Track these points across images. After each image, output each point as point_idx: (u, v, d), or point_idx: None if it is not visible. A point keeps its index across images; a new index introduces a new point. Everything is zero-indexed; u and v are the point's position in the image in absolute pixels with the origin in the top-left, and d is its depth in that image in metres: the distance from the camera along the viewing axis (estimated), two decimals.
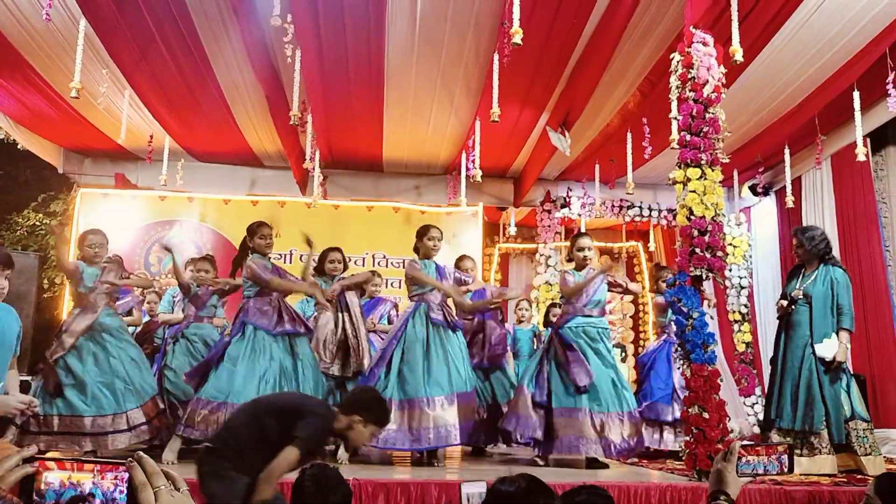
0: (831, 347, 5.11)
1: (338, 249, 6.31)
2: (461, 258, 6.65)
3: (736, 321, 9.43)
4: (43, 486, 1.22)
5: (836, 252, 8.15)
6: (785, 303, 5.45)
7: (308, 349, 5.34)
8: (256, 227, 5.42)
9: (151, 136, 8.65)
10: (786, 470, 2.08)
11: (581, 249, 5.74)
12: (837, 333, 5.18)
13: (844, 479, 4.70)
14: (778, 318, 5.62)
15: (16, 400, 2.85)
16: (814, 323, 5.24)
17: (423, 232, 5.69)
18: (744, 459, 2.04)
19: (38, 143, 9.03)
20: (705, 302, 5.35)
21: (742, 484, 2.02)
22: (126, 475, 1.26)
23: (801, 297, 5.33)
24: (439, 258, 5.78)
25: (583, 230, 9.66)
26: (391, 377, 5.25)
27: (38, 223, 10.00)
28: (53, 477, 1.23)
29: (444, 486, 3.91)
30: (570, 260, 6.01)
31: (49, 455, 1.28)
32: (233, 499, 2.71)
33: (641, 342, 11.13)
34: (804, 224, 8.77)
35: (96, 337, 5.23)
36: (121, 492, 1.25)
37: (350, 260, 9.80)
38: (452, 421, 5.08)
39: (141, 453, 1.29)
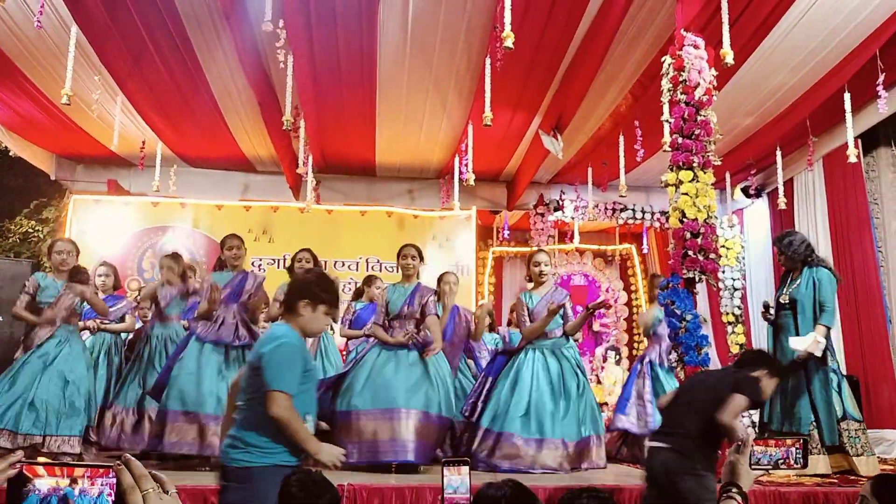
0: (804, 340, 5.13)
1: (307, 250, 6.28)
2: (445, 274, 6.32)
3: (729, 323, 9.44)
4: (30, 492, 1.22)
5: (828, 253, 8.21)
6: (763, 310, 5.53)
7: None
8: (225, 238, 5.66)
9: (144, 142, 8.64)
10: (798, 465, 2.07)
11: (537, 265, 5.66)
12: (815, 327, 5.19)
13: (836, 480, 4.71)
14: (769, 323, 5.65)
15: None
16: (800, 326, 5.28)
17: (398, 252, 5.64)
18: (757, 450, 2.03)
19: (29, 150, 8.99)
20: None
21: (755, 477, 2.00)
22: (114, 479, 1.25)
23: (787, 301, 5.38)
24: (435, 263, 5.75)
25: (576, 234, 9.71)
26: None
27: (30, 230, 9.96)
28: (41, 483, 1.22)
29: (440, 490, 3.89)
30: (529, 279, 5.87)
31: (38, 460, 1.27)
32: (705, 493, 3.03)
33: (636, 345, 11.14)
34: (796, 226, 8.82)
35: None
36: (109, 495, 1.24)
37: (343, 265, 9.87)
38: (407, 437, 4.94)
39: (128, 456, 1.29)
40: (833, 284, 5.32)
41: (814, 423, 5.08)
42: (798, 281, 5.40)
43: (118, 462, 1.27)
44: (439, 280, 6.18)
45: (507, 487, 1.74)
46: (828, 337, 5.22)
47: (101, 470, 1.26)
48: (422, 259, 5.63)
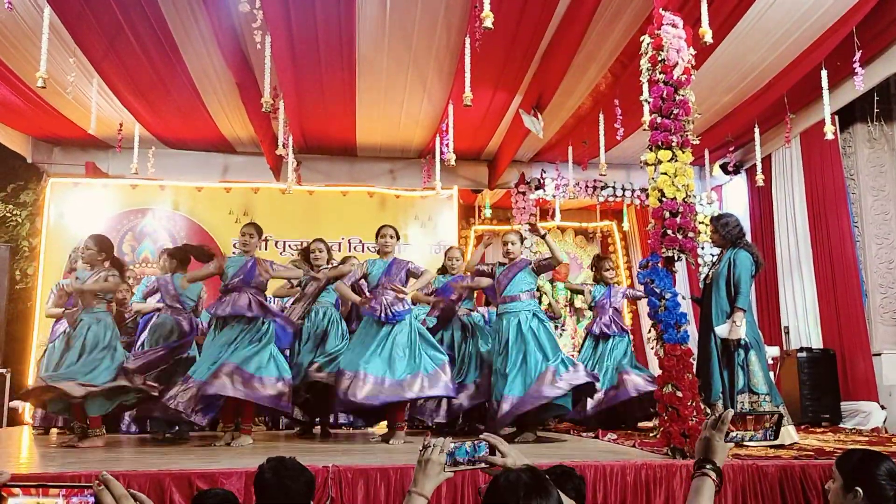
0: (726, 328, 5.36)
1: (320, 240, 6.46)
2: (449, 249, 7.30)
3: None
4: None
5: (805, 228, 8.33)
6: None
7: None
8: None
9: (121, 124, 8.55)
10: (770, 438, 2.12)
11: (504, 244, 6.16)
12: (733, 312, 5.36)
13: (812, 453, 4.81)
14: (696, 302, 6.02)
15: None
16: (713, 303, 5.50)
17: (376, 232, 6.03)
18: (732, 431, 2.04)
19: (5, 133, 8.88)
20: None
21: (728, 451, 2.02)
22: (92, 499, 1.24)
23: (709, 279, 5.60)
24: (418, 242, 5.95)
25: (557, 212, 9.75)
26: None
27: (7, 214, 9.85)
28: (18, 502, 1.21)
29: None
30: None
31: (13, 482, 1.25)
32: None
33: None
34: (774, 201, 8.92)
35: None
36: None
37: None
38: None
39: (107, 475, 1.28)
40: (749, 268, 5.46)
41: (721, 395, 5.33)
42: (720, 260, 5.63)
43: (98, 482, 1.26)
44: (445, 255, 7.16)
45: (524, 474, 1.76)
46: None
47: (79, 490, 1.24)
48: (398, 238, 6.11)
